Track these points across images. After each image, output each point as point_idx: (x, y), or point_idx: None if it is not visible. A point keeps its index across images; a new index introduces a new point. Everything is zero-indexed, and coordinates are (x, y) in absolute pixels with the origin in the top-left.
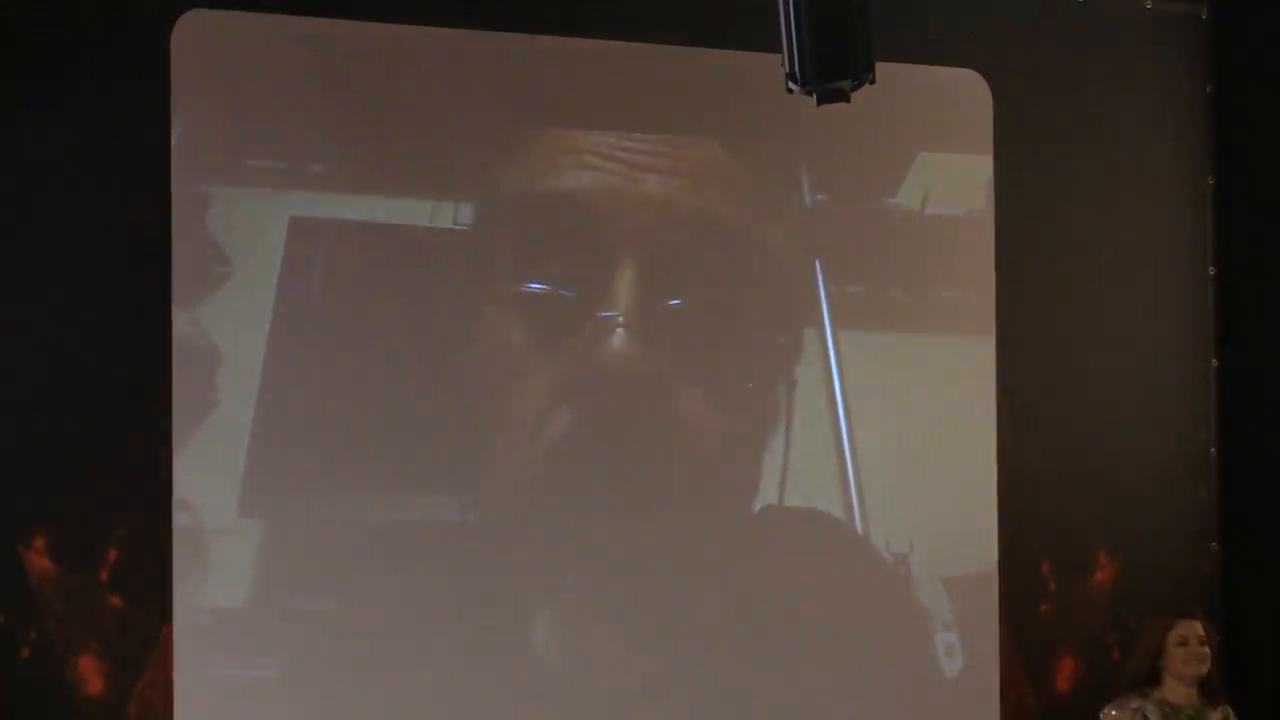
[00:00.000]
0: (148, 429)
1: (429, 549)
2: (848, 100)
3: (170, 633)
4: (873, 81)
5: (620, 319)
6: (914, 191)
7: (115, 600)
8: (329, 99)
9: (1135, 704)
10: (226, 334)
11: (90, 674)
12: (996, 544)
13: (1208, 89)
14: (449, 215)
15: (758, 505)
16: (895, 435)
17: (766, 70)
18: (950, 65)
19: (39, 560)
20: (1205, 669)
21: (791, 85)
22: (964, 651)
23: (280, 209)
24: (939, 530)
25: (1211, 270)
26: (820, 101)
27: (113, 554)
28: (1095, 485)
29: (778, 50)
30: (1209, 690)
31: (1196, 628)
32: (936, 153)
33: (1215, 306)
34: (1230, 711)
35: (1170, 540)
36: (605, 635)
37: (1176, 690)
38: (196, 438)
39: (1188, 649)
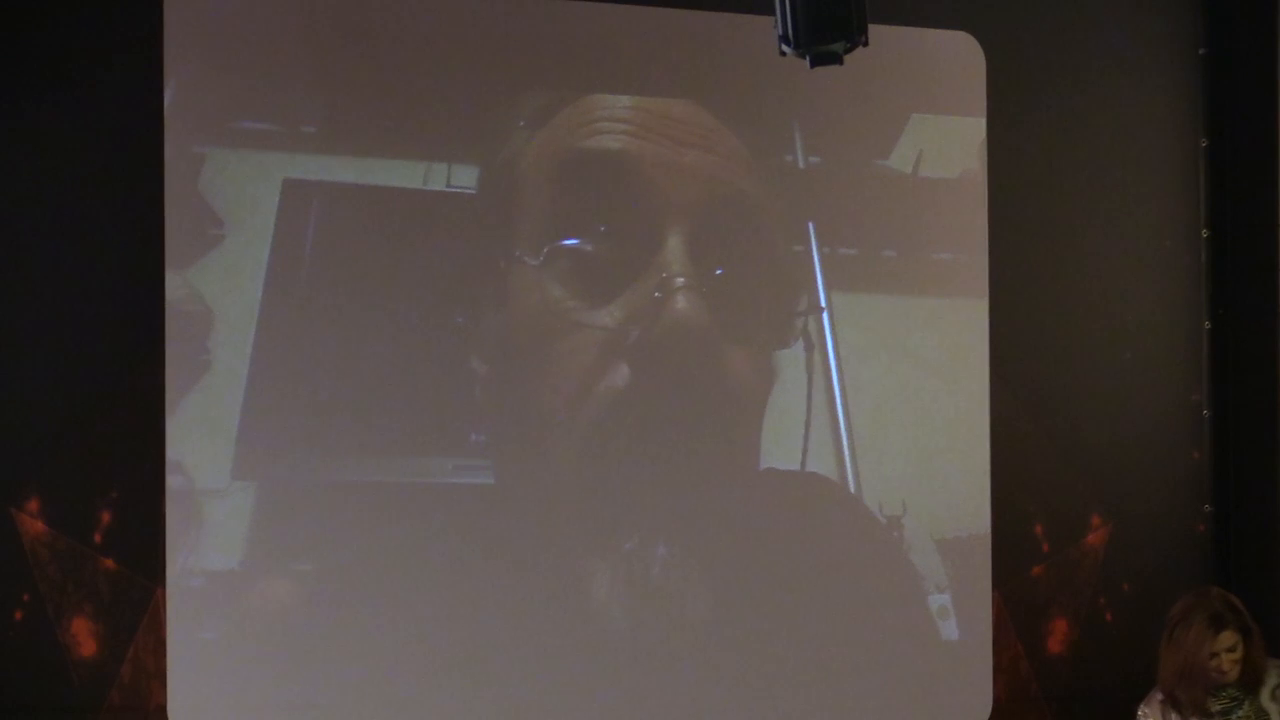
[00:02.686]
0: (140, 391)
1: (422, 510)
2: (841, 63)
3: (163, 595)
4: (866, 44)
5: (616, 290)
6: (907, 154)
7: (108, 563)
8: (322, 60)
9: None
10: (219, 296)
11: (83, 636)
12: (989, 506)
13: (1201, 51)
14: (442, 178)
15: (748, 468)
16: (888, 398)
17: (759, 33)
18: (943, 27)
19: (32, 523)
20: (1237, 675)
21: (784, 48)
22: (957, 614)
23: (274, 171)
24: (932, 493)
25: (1204, 233)
26: (813, 64)
27: (105, 517)
28: (1088, 447)
29: (770, 13)
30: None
31: (1229, 639)
32: (929, 115)
33: (1208, 269)
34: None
35: (1163, 502)
36: (605, 597)
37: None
38: (189, 400)
39: (1218, 660)
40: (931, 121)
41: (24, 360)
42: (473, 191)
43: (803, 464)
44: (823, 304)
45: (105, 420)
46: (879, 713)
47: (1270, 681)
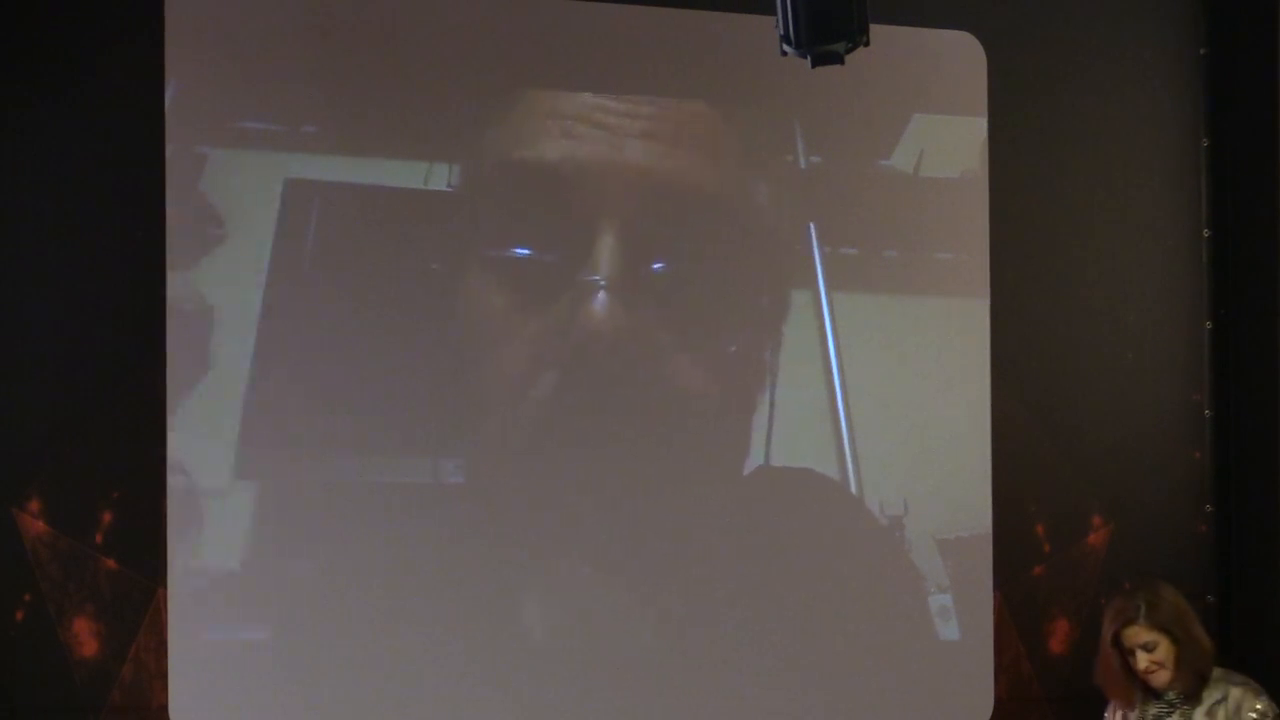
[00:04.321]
0: (142, 391)
1: (424, 511)
2: (842, 62)
3: (165, 595)
4: (867, 44)
5: (615, 283)
6: (908, 153)
7: (110, 563)
8: (324, 60)
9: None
10: (220, 296)
11: (85, 636)
12: (990, 506)
13: (1202, 51)
14: (443, 177)
15: (750, 467)
16: (889, 397)
17: (760, 33)
18: (945, 27)
19: (33, 523)
20: (1161, 681)
21: (786, 48)
22: (958, 614)
23: (275, 170)
24: (933, 493)
25: (1205, 233)
26: (815, 64)
27: (107, 517)
28: (1089, 448)
29: (772, 13)
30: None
31: (1139, 635)
32: (931, 114)
33: (1209, 269)
34: (1244, 694)
35: (1164, 502)
36: (599, 597)
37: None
38: (190, 400)
39: (1135, 659)
40: (933, 121)
41: (25, 360)
42: (472, 191)
43: (772, 460)
44: (824, 309)
45: (106, 420)
46: (880, 713)
47: (1210, 698)
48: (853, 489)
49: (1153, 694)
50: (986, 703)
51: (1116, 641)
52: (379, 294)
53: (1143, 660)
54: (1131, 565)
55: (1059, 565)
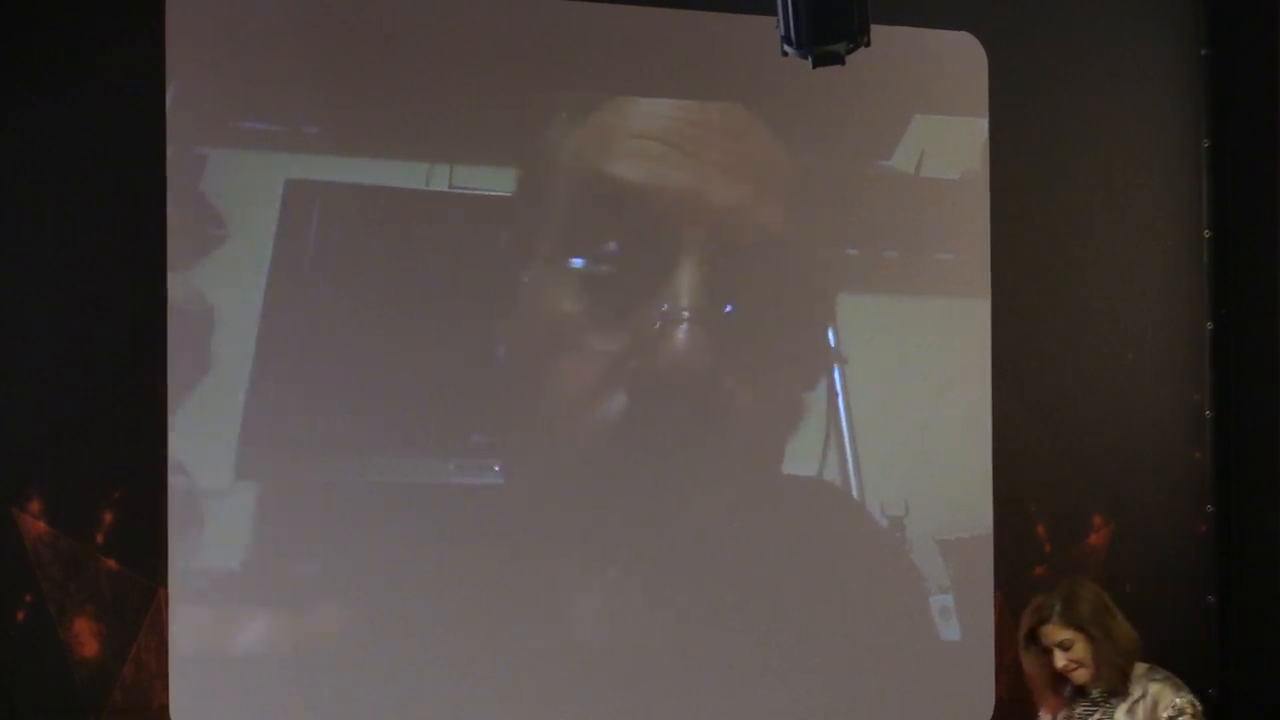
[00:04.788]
0: (142, 391)
1: (423, 510)
2: (843, 63)
3: (165, 595)
4: (868, 44)
5: (612, 281)
6: (909, 154)
7: (110, 563)
8: (325, 60)
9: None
10: (221, 297)
11: (85, 636)
12: (992, 507)
13: (1202, 52)
14: (444, 178)
15: (756, 469)
16: (890, 398)
17: (761, 33)
18: (945, 28)
19: (33, 523)
20: (1082, 679)
21: (786, 48)
22: (959, 614)
23: (276, 171)
24: (934, 493)
25: (1206, 233)
26: (815, 64)
27: (108, 517)
28: (1090, 448)
29: (772, 13)
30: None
31: (1055, 634)
32: (931, 115)
33: (1209, 269)
34: (1173, 698)
35: (1165, 502)
36: (600, 598)
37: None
38: (191, 400)
39: (1053, 657)
40: (933, 122)
41: (26, 360)
42: (474, 192)
43: (776, 464)
44: (843, 353)
45: (107, 420)
46: (881, 713)
47: (1133, 693)
48: (853, 490)
49: (1081, 692)
50: (987, 703)
51: (1034, 640)
52: (379, 294)
53: (1060, 659)
54: (1132, 566)
55: (1060, 565)
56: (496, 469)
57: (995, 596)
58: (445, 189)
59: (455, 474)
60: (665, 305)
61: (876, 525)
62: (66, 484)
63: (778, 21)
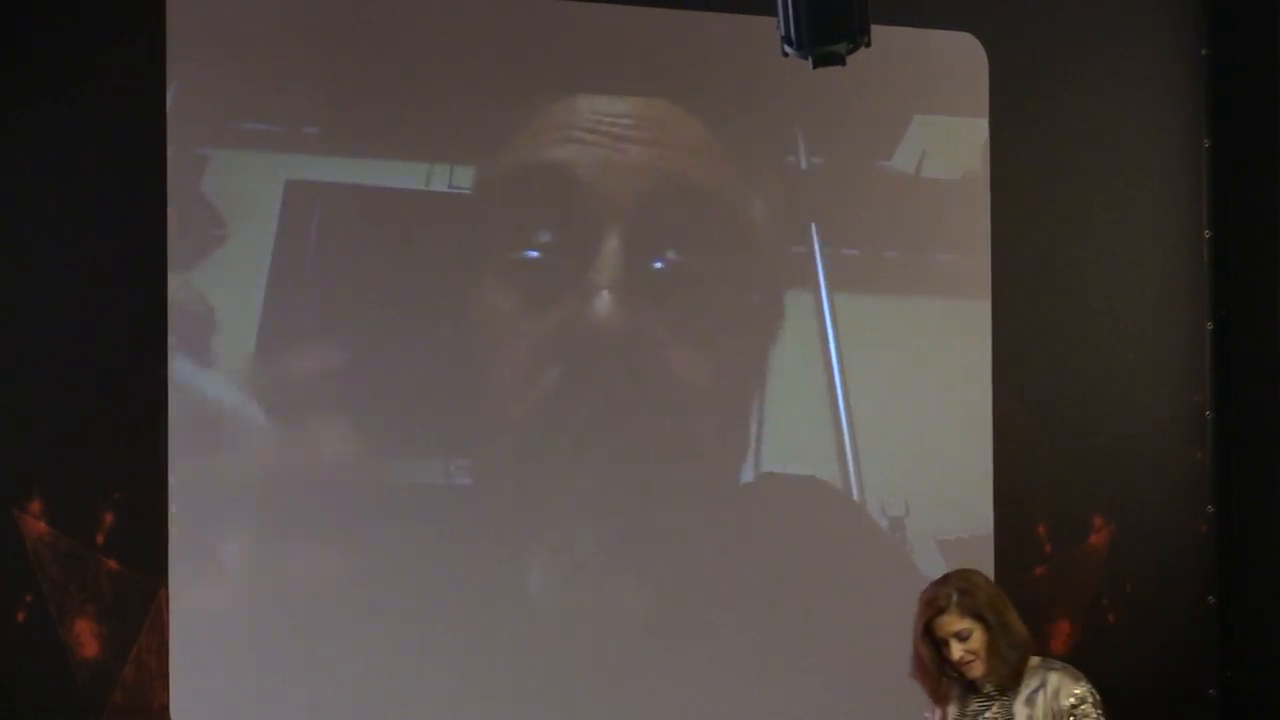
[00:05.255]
0: (143, 392)
1: (425, 511)
2: (843, 63)
3: (166, 596)
4: (868, 45)
5: (616, 283)
6: (909, 154)
7: (111, 564)
8: (325, 60)
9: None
10: (222, 297)
11: (86, 637)
12: (992, 507)
13: (1202, 52)
14: (444, 179)
15: (753, 468)
16: (891, 398)
17: (761, 33)
18: (946, 28)
19: (34, 524)
20: (977, 672)
21: (787, 48)
22: None
23: (276, 172)
24: (934, 493)
25: (1206, 234)
26: (816, 65)
27: (108, 517)
28: (1091, 448)
29: (772, 13)
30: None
31: (951, 624)
32: (932, 116)
33: (1210, 269)
34: (1068, 685)
35: (1166, 503)
36: (601, 597)
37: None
38: (192, 400)
39: (948, 649)
40: (934, 122)
41: (26, 361)
42: (474, 192)
43: (773, 463)
44: (825, 310)
45: (107, 421)
46: (881, 712)
47: (1029, 685)
48: (854, 490)
49: (972, 688)
50: None
51: (929, 633)
52: (379, 295)
53: (956, 650)
54: (1133, 566)
55: (1060, 565)
56: (494, 470)
57: None
58: (445, 189)
59: (455, 474)
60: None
61: (876, 525)
62: (67, 484)
63: (778, 22)
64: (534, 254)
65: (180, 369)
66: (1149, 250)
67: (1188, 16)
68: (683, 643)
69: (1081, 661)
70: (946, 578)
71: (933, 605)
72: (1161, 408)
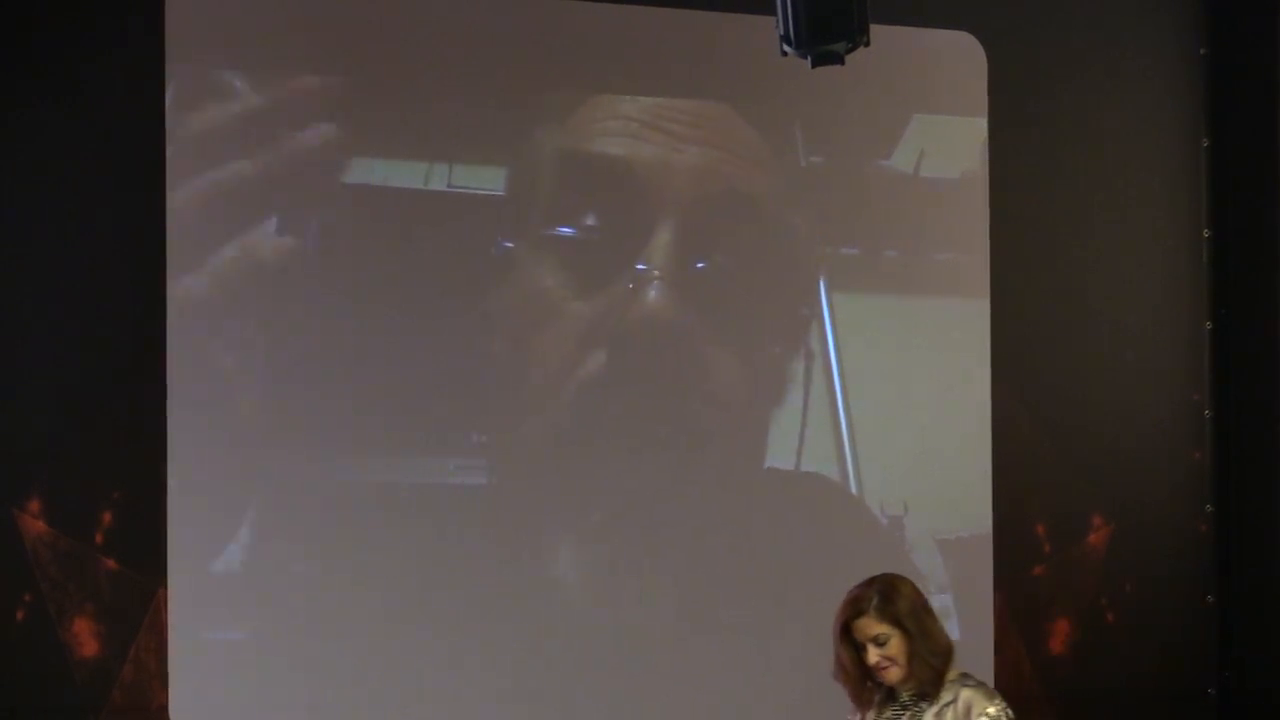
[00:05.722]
0: (142, 391)
1: (422, 510)
2: (842, 63)
3: (165, 595)
4: (867, 44)
5: (621, 284)
6: (909, 153)
7: (110, 563)
8: (325, 61)
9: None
10: (222, 297)
11: (85, 636)
12: (991, 506)
13: (1202, 51)
14: (443, 178)
15: (753, 467)
16: (890, 397)
17: (760, 32)
18: (945, 28)
19: (33, 523)
20: (894, 678)
21: (786, 48)
22: (959, 614)
23: (276, 170)
24: (934, 493)
25: (1205, 233)
26: (815, 64)
27: (107, 517)
28: (1090, 448)
29: (771, 12)
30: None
31: (869, 627)
32: (931, 115)
33: (1209, 269)
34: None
35: (1165, 502)
36: (600, 597)
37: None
38: (191, 400)
39: (866, 654)
40: (933, 121)
41: (25, 360)
42: (474, 191)
43: (798, 463)
44: (824, 310)
45: (107, 420)
46: None
47: (943, 699)
48: (853, 489)
49: (891, 695)
50: None
51: (848, 635)
52: (379, 294)
53: (874, 655)
54: (1132, 565)
55: (1059, 565)
56: (492, 469)
57: (995, 596)
58: (445, 189)
59: (454, 474)
60: (630, 284)
61: (876, 525)
62: (66, 484)
63: (777, 21)
64: (534, 252)
65: (180, 369)
66: (1149, 250)
67: (1188, 16)
68: (684, 640)
69: (1081, 661)
70: (871, 581)
71: (853, 606)
72: (1161, 408)
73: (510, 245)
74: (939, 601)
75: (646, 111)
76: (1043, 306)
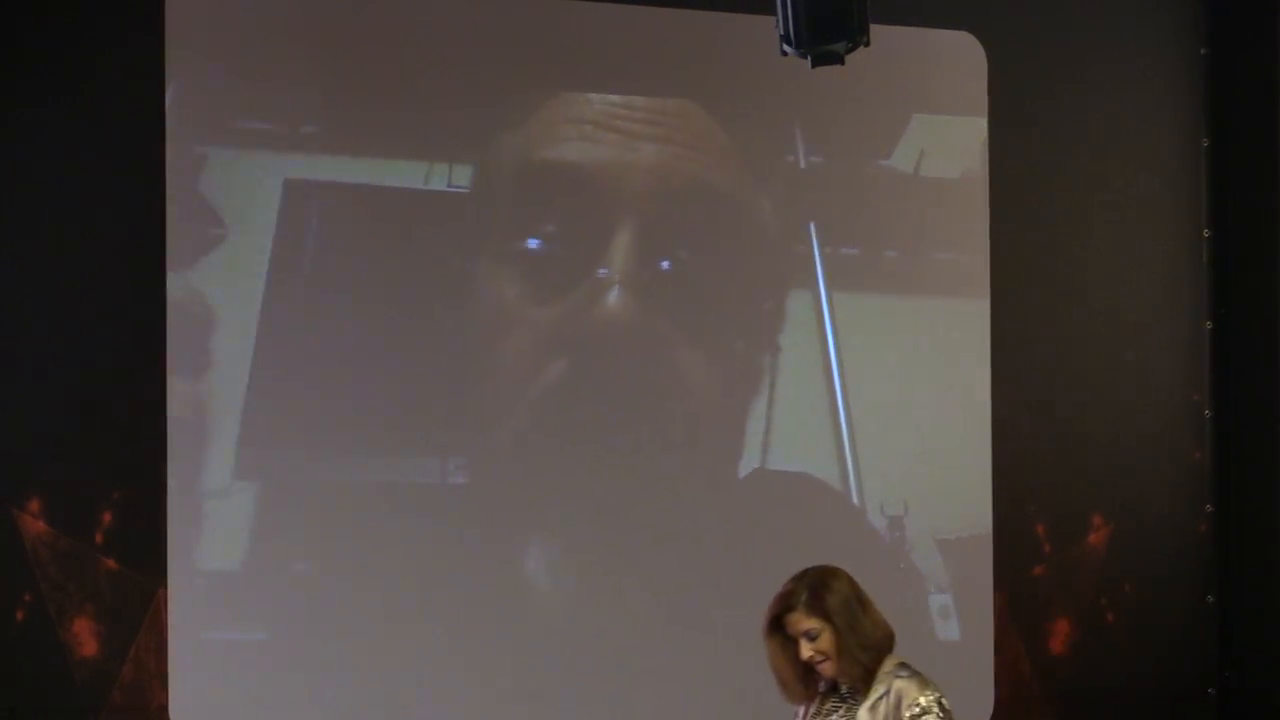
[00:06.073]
0: (142, 391)
1: (424, 511)
2: (842, 63)
3: (165, 595)
4: (867, 44)
5: (616, 279)
6: (909, 153)
7: (110, 563)
8: (324, 60)
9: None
10: (220, 296)
11: (85, 636)
12: (991, 506)
13: (1202, 51)
14: (443, 178)
15: (749, 467)
16: (890, 397)
17: (760, 32)
18: (945, 27)
19: (33, 523)
20: (828, 673)
21: (786, 48)
22: (958, 614)
23: (275, 171)
24: (933, 493)
25: (1205, 233)
26: (814, 64)
27: (107, 517)
28: (1090, 448)
29: (771, 12)
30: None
31: (800, 622)
32: (931, 115)
33: (1209, 268)
34: (914, 691)
35: (1165, 502)
36: (598, 596)
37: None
38: (190, 400)
39: (799, 647)
40: (933, 121)
41: (25, 360)
42: (472, 189)
43: (771, 461)
44: (824, 310)
45: (107, 420)
46: None
47: (876, 691)
48: (853, 489)
49: (833, 689)
50: (986, 703)
51: (779, 629)
52: (379, 294)
53: (806, 649)
54: (1132, 565)
55: (1059, 565)
56: (493, 468)
57: (995, 596)
58: (444, 189)
59: (455, 474)
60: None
61: (876, 524)
62: (66, 484)
63: (777, 21)
64: (536, 248)
65: (180, 369)
66: (1148, 250)
67: (1188, 16)
68: (679, 641)
69: (1081, 661)
70: (804, 574)
71: (782, 601)
72: (1161, 407)
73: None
74: (938, 601)
75: (601, 111)
76: (1043, 306)
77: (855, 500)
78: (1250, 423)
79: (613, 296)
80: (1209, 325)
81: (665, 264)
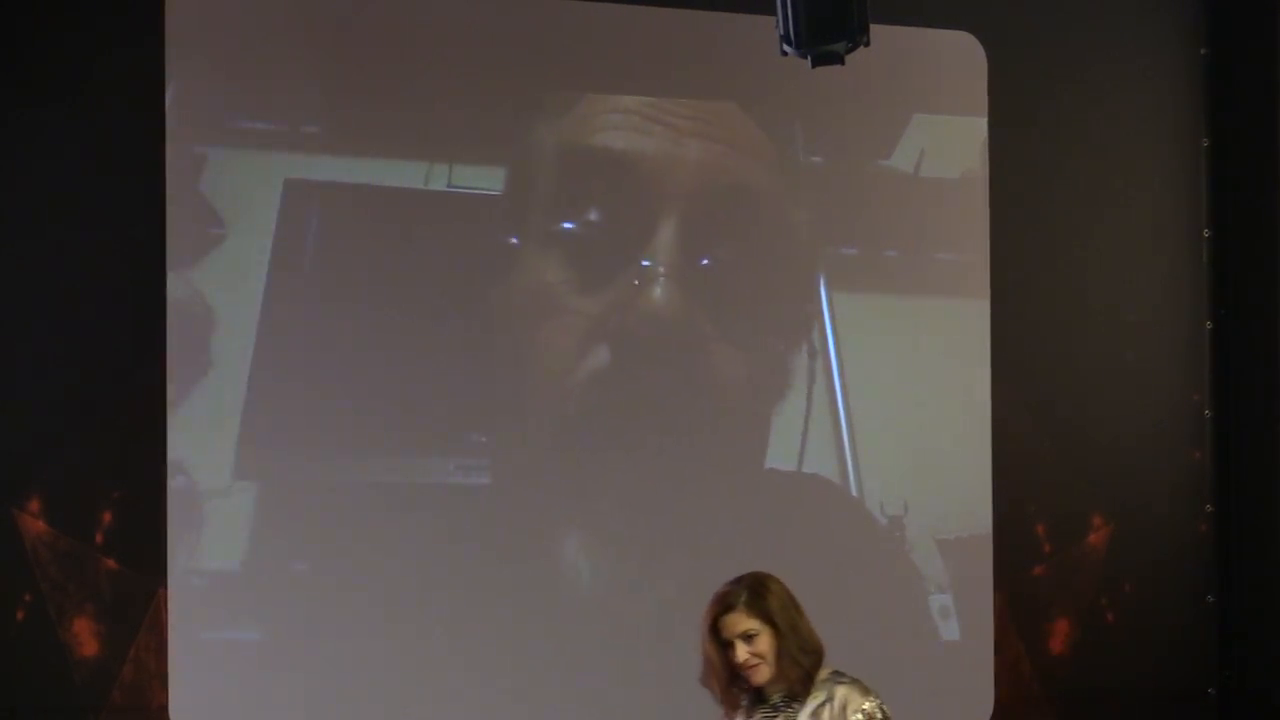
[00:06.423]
0: (142, 391)
1: (422, 510)
2: (842, 63)
3: (165, 595)
4: (867, 44)
5: (616, 281)
6: (909, 154)
7: (110, 563)
8: (324, 60)
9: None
10: (220, 296)
11: (85, 636)
12: (991, 506)
13: (1202, 51)
14: (443, 178)
15: (753, 467)
16: (890, 397)
17: (760, 32)
18: (945, 27)
19: (33, 523)
20: (762, 678)
21: (786, 48)
22: (958, 614)
23: (275, 171)
24: (933, 493)
25: (1206, 233)
26: (815, 64)
27: (107, 517)
28: (1090, 447)
29: (771, 12)
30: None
31: (738, 623)
32: (931, 115)
33: (1209, 268)
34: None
35: (1165, 502)
36: (597, 595)
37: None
38: (191, 400)
39: (734, 651)
40: (933, 121)
41: (25, 360)
42: (473, 191)
43: (800, 463)
44: (824, 309)
45: (107, 420)
46: None
47: (816, 698)
48: (853, 489)
49: (760, 698)
50: (986, 703)
51: (716, 632)
52: (378, 294)
53: (741, 652)
54: (1132, 566)
55: (1059, 565)
56: (493, 468)
57: (995, 596)
58: (445, 189)
59: (454, 474)
60: (635, 280)
61: (875, 524)
62: (66, 484)
63: (777, 21)
64: (535, 248)
65: (179, 368)
66: (1149, 250)
67: (1188, 16)
68: (686, 640)
69: (1081, 661)
70: (740, 578)
71: (721, 602)
72: (1161, 407)
73: (515, 241)
74: (938, 601)
75: (649, 106)
76: (1043, 306)
77: (855, 500)
78: (1250, 423)
79: (655, 290)
80: (1209, 325)
81: (646, 262)
